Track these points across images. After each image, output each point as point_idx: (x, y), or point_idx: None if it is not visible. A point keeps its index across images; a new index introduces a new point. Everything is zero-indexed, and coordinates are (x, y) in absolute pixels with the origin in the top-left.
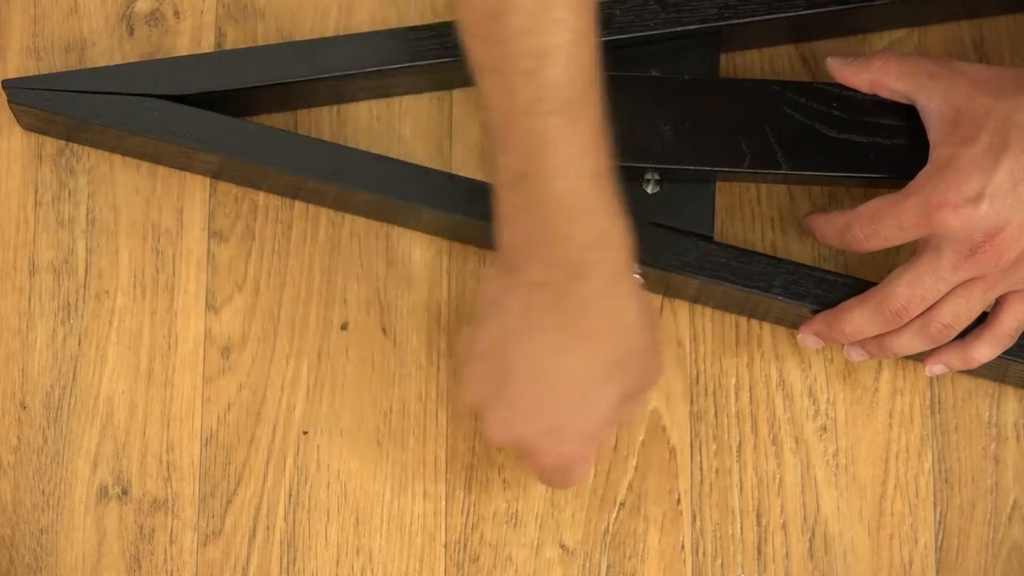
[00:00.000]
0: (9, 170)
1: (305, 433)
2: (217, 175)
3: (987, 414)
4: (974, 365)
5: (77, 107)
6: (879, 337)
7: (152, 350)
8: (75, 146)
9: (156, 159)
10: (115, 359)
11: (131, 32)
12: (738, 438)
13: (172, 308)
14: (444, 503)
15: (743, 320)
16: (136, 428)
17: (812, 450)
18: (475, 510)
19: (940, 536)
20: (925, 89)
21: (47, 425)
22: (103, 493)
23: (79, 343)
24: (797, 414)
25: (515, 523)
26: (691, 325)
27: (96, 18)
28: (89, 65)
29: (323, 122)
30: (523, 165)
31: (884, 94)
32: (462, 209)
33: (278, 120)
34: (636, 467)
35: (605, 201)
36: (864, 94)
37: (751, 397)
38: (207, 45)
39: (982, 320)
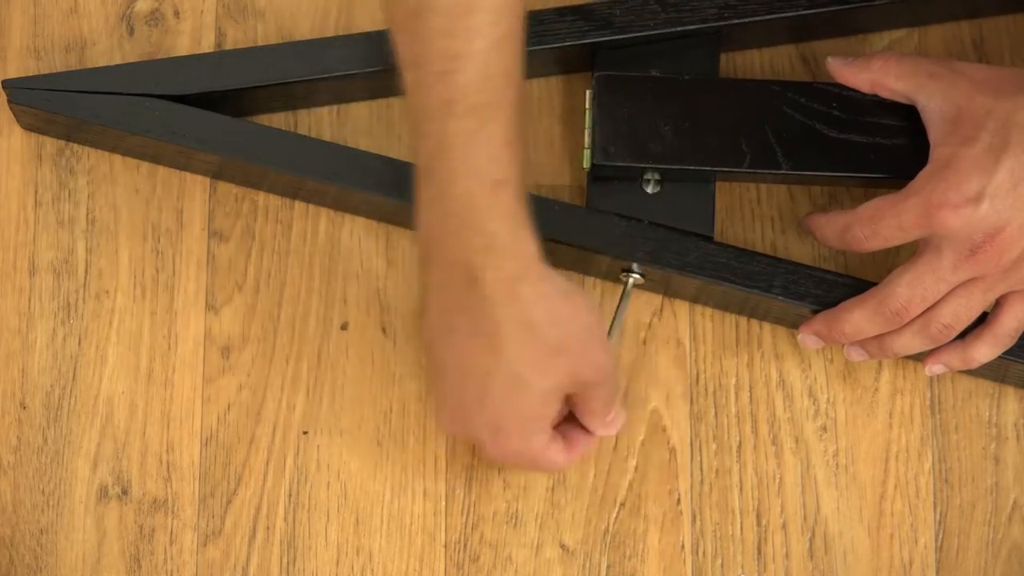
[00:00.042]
0: (9, 170)
1: (305, 433)
2: (217, 175)
3: (987, 414)
4: (974, 365)
5: (77, 107)
6: (879, 337)
7: (152, 350)
8: (75, 146)
9: (156, 159)
10: (115, 359)
11: (131, 32)
12: (738, 438)
13: (172, 308)
14: (444, 503)
15: (743, 320)
16: (136, 428)
17: (812, 450)
18: (475, 510)
19: (940, 536)
20: (925, 89)
21: (47, 425)
22: (103, 493)
23: (79, 343)
24: (797, 414)
25: (515, 523)
26: (691, 325)
27: (96, 18)
28: (89, 65)
29: (323, 122)
30: (427, 164)
31: (884, 94)
32: None
33: (278, 120)
34: (636, 467)
35: (503, 209)
36: (864, 94)
37: (751, 397)
38: (207, 45)
39: (982, 320)
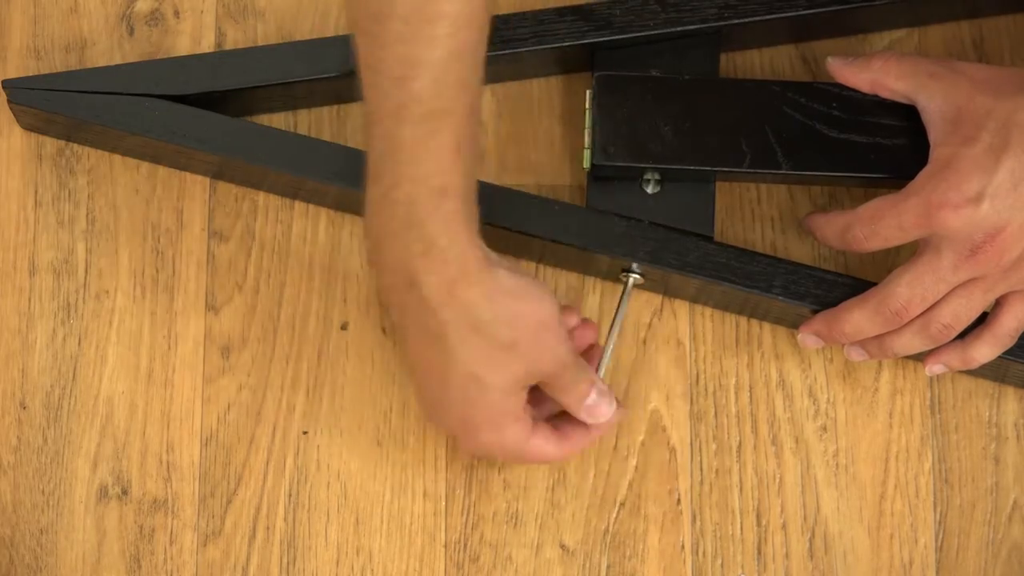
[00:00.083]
0: (9, 170)
1: (305, 433)
2: (217, 175)
3: (987, 414)
4: (974, 365)
5: (77, 107)
6: (879, 337)
7: (152, 350)
8: (75, 146)
9: (156, 159)
10: (115, 359)
11: (131, 32)
12: (738, 438)
13: (172, 308)
14: (444, 503)
15: (743, 320)
16: (136, 428)
17: (812, 450)
18: (475, 510)
19: (940, 536)
20: (925, 89)
21: (47, 425)
22: (103, 493)
23: (79, 343)
24: (797, 414)
25: (515, 523)
26: (691, 325)
27: (96, 18)
28: (89, 65)
29: (323, 122)
30: (375, 167)
31: (884, 94)
32: None
33: (278, 120)
34: (636, 467)
35: (444, 215)
36: (864, 94)
37: (751, 397)
38: (207, 45)
39: (982, 320)
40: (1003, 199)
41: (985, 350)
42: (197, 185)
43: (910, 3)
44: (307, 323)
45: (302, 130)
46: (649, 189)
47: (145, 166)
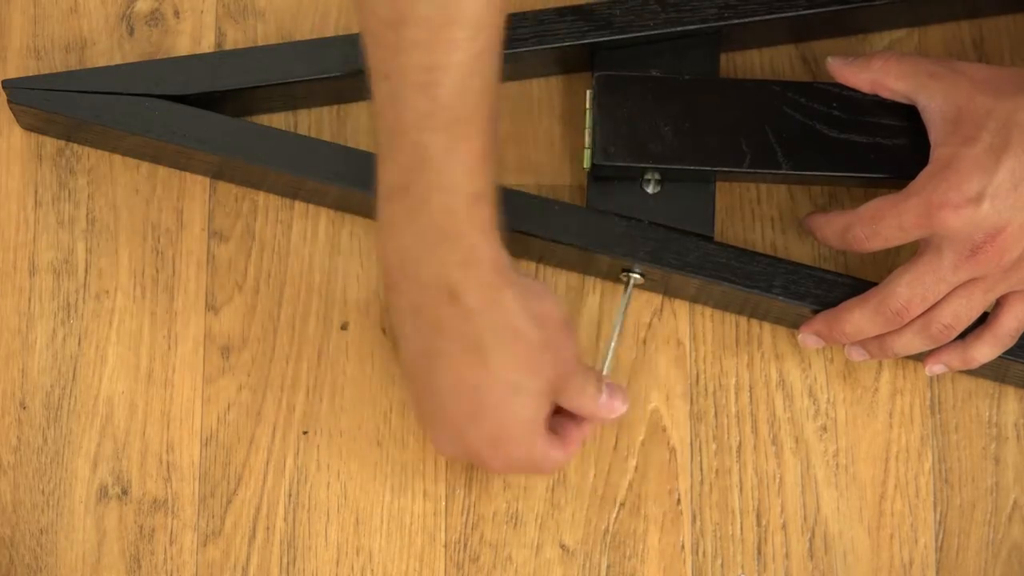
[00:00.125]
0: (9, 170)
1: (305, 433)
2: (217, 175)
3: (987, 414)
4: (974, 365)
5: (77, 107)
6: (880, 337)
7: (152, 350)
8: (75, 146)
9: (156, 159)
10: (115, 359)
11: (131, 32)
12: (738, 438)
13: (172, 308)
14: (444, 503)
15: (743, 320)
16: (136, 428)
17: (812, 450)
18: (475, 510)
19: (940, 536)
20: (926, 89)
21: (47, 425)
22: (103, 493)
23: (79, 343)
24: (797, 414)
25: (515, 523)
26: (691, 325)
27: (96, 18)
28: (89, 65)
29: (323, 122)
30: (403, 179)
31: (884, 94)
32: None
33: (278, 120)
34: (636, 467)
35: (480, 222)
36: (864, 94)
37: (751, 397)
38: (207, 45)
39: (983, 320)
40: (1003, 199)
41: (985, 350)
42: (197, 185)
43: (910, 3)
44: (307, 323)
45: (302, 130)
46: (649, 189)
47: (145, 166)
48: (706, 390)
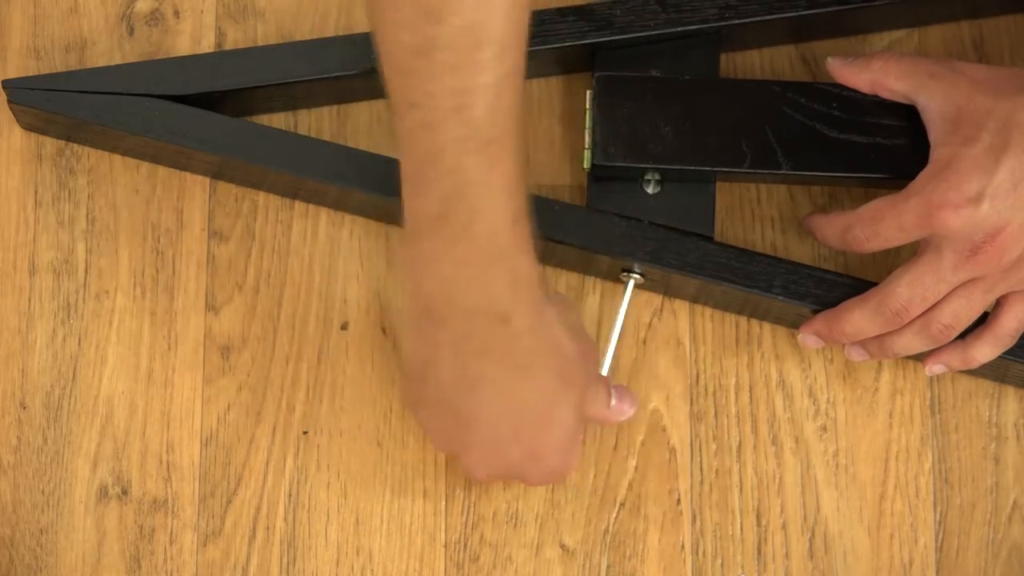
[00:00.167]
0: (9, 170)
1: (305, 433)
2: (217, 175)
3: (987, 414)
4: (974, 365)
5: (77, 107)
6: (880, 337)
7: (152, 350)
8: (75, 146)
9: (156, 159)
10: (115, 359)
11: (131, 32)
12: (738, 438)
13: (172, 308)
14: (444, 503)
15: (743, 320)
16: (136, 428)
17: (812, 450)
18: (475, 510)
19: (940, 536)
20: (925, 89)
21: (47, 425)
22: (103, 493)
23: (79, 343)
24: (797, 414)
25: (515, 523)
26: (691, 325)
27: (96, 18)
28: (89, 65)
29: (323, 122)
30: (441, 207)
31: (884, 94)
32: None
33: (278, 120)
34: (636, 467)
35: (522, 242)
36: (864, 94)
37: (751, 397)
38: (207, 45)
39: (983, 320)
40: (1003, 199)
41: (985, 350)
42: (197, 185)
43: (910, 3)
44: (307, 323)
45: (302, 130)
46: (649, 189)
47: (145, 166)
48: (706, 390)
